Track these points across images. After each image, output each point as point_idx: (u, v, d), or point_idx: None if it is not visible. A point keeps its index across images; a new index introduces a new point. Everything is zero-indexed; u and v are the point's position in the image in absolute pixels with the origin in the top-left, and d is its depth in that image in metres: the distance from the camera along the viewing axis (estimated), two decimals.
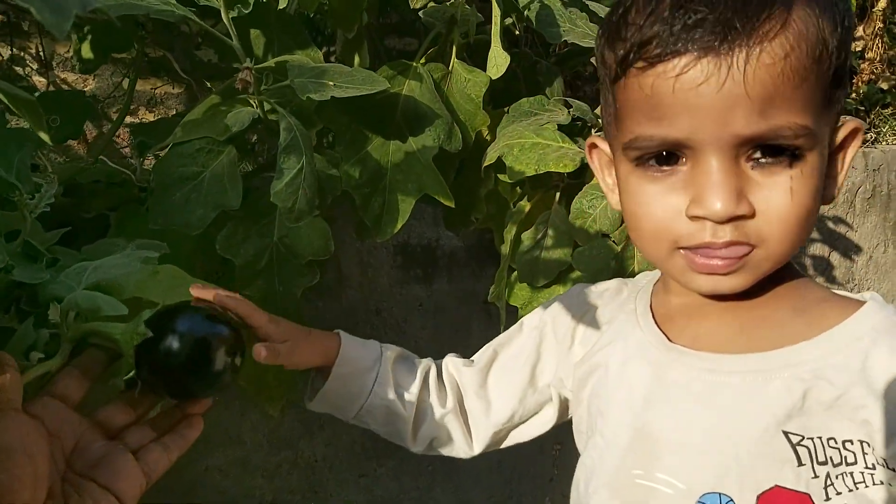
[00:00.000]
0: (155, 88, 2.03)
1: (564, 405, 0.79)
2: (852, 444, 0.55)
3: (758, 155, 0.53)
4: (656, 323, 0.66)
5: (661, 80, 0.52)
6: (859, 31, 3.02)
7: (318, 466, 1.61)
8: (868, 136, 2.82)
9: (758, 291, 0.61)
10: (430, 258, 1.69)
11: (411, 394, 0.80)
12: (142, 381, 0.57)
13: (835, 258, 2.61)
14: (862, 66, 3.09)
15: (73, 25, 1.12)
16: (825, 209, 2.54)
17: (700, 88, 0.51)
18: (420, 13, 1.04)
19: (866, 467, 0.54)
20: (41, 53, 1.77)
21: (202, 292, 0.67)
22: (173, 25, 1.23)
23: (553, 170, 0.89)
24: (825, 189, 0.58)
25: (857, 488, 0.54)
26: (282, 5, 0.83)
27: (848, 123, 0.58)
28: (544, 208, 1.00)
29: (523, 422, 0.81)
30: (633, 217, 0.60)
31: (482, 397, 0.81)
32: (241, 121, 0.83)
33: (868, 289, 2.76)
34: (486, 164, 0.96)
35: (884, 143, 3.05)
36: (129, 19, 1.12)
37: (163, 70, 1.73)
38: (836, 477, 0.55)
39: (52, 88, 1.80)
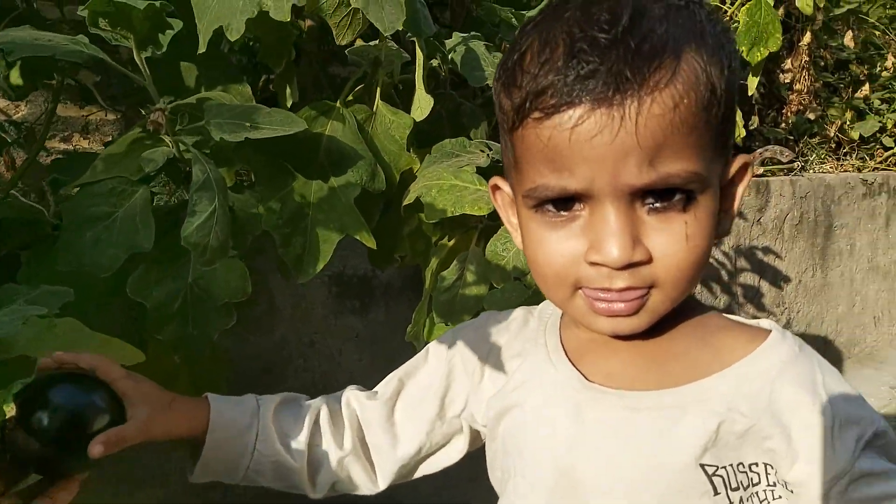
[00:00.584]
0: (89, 114, 1.99)
1: (476, 436, 0.77)
2: (757, 465, 0.58)
3: (651, 200, 0.54)
4: (569, 359, 0.67)
5: (557, 131, 0.53)
6: (787, 64, 3.12)
7: None
8: (795, 164, 2.92)
9: (663, 324, 0.62)
10: (366, 289, 1.69)
11: (300, 442, 0.74)
12: (10, 455, 0.54)
13: (764, 284, 2.68)
14: (790, 97, 3.20)
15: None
16: (754, 236, 2.62)
17: (594, 140, 0.51)
18: (346, 51, 1.04)
19: (768, 485, 0.58)
20: None
21: (60, 357, 0.63)
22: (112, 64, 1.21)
23: (468, 212, 0.90)
24: (719, 224, 0.60)
25: None
26: (201, 49, 0.82)
27: (738, 158, 0.59)
28: (463, 248, 1.01)
29: (431, 454, 0.78)
30: (534, 260, 0.61)
31: (388, 431, 0.77)
32: (155, 161, 0.82)
33: (798, 312, 2.84)
34: (405, 203, 0.97)
35: (811, 171, 3.16)
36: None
37: (90, 100, 1.70)
38: (747, 499, 0.58)
39: None
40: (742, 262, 2.58)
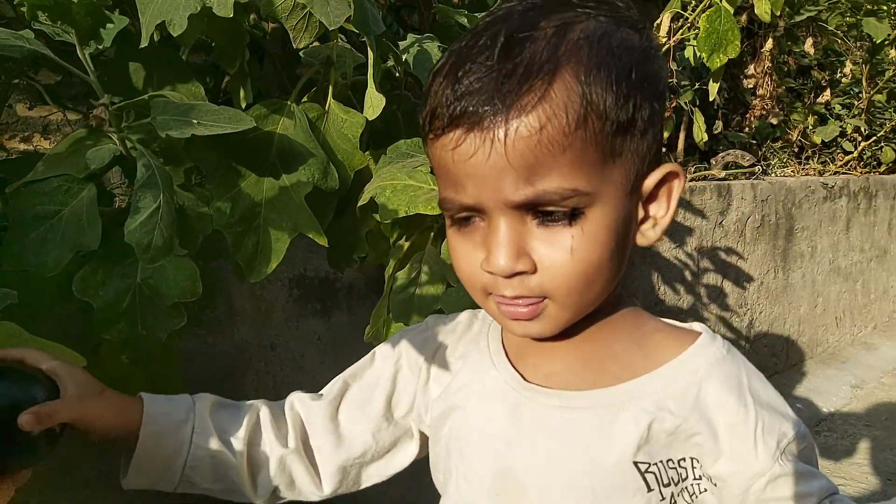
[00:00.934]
0: (49, 114, 1.96)
1: (426, 440, 0.77)
2: (685, 461, 0.60)
3: (539, 214, 0.57)
4: (510, 361, 0.68)
5: (444, 151, 0.57)
6: (750, 70, 3.18)
7: None
8: (757, 168, 2.97)
9: (596, 326, 0.65)
10: (328, 291, 1.68)
11: (238, 439, 0.73)
12: None
13: (727, 285, 2.72)
14: (754, 102, 3.26)
15: None
16: (716, 238, 2.65)
17: (472, 160, 0.55)
18: (300, 52, 1.04)
19: (695, 479, 0.61)
20: None
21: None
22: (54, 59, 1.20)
23: (422, 211, 0.90)
24: (644, 233, 0.62)
25: (692, 500, 0.61)
26: (143, 43, 0.81)
27: (663, 167, 0.60)
28: (420, 248, 1.01)
29: (379, 458, 0.77)
30: (454, 266, 0.64)
31: (332, 431, 0.76)
32: (100, 157, 0.81)
33: (761, 312, 2.88)
34: (360, 203, 0.97)
35: (773, 174, 3.22)
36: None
37: (45, 100, 1.67)
38: (678, 494, 0.61)
39: None
40: (705, 263, 2.61)
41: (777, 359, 3.02)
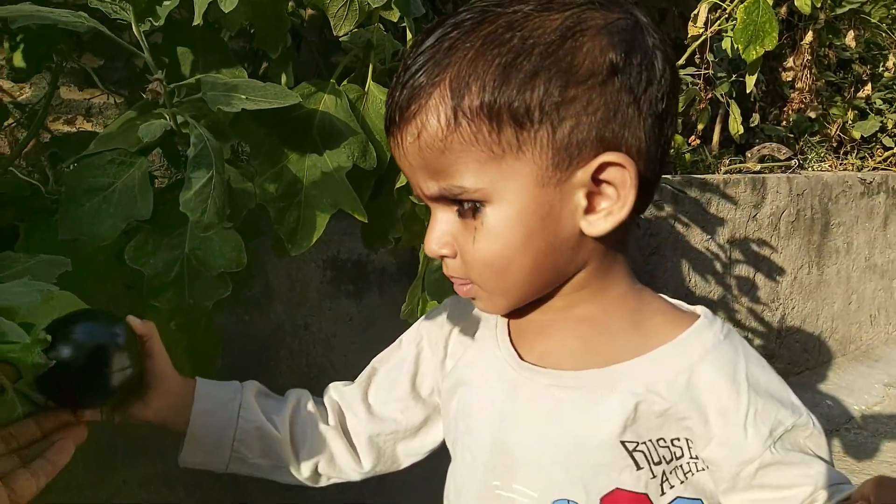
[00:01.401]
0: (92, 97, 2.02)
1: None
2: (679, 440, 0.62)
3: (456, 206, 0.62)
4: (511, 340, 0.71)
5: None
6: (789, 62, 3.14)
7: (243, 480, 1.60)
8: (794, 162, 2.94)
9: (594, 306, 0.66)
10: (361, 273, 1.71)
11: (282, 416, 0.79)
12: (41, 384, 0.56)
13: (760, 279, 2.70)
14: (792, 95, 3.22)
15: (5, 33, 1.13)
16: (749, 231, 2.63)
17: (397, 160, 0.65)
18: (339, 38, 1.06)
19: (691, 457, 0.62)
20: None
21: None
22: (110, 36, 1.24)
23: None
24: (593, 223, 0.61)
25: (687, 478, 0.62)
26: (196, 21, 0.85)
27: (597, 158, 0.58)
28: None
29: (412, 435, 0.81)
30: None
31: (364, 411, 0.81)
32: (152, 132, 0.84)
33: (793, 308, 2.86)
34: (397, 186, 0.99)
35: (809, 168, 3.18)
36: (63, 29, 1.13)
37: (92, 82, 1.72)
38: (671, 472, 0.62)
39: None
40: (737, 256, 2.60)
41: (809, 355, 2.99)
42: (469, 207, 0.61)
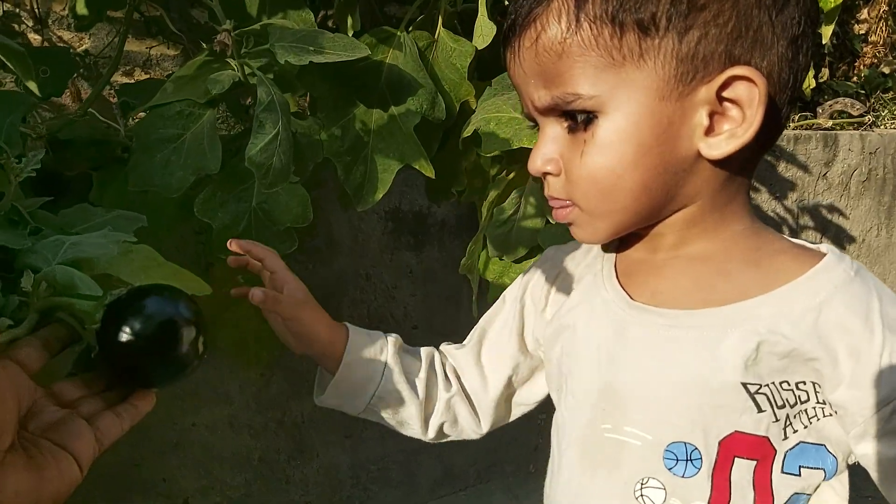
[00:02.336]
0: (150, 48, 2.02)
1: None
2: (804, 384, 0.58)
3: (567, 120, 0.59)
4: (619, 281, 0.68)
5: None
6: (863, 14, 2.98)
7: (305, 427, 1.64)
8: (866, 119, 2.80)
9: (709, 244, 0.63)
10: (421, 226, 1.70)
11: (420, 379, 0.80)
12: (102, 359, 0.56)
13: (828, 239, 2.61)
14: (864, 49, 3.06)
15: None
16: (819, 190, 2.54)
17: (510, 73, 0.63)
18: None
19: (818, 402, 0.58)
20: (37, 10, 1.76)
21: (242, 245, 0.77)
22: None
23: (526, 146, 0.89)
24: (712, 144, 0.57)
25: (811, 423, 0.58)
26: None
27: (725, 72, 0.55)
28: (521, 183, 1.01)
29: (523, 389, 0.82)
30: None
31: (479, 375, 0.82)
32: (221, 83, 0.83)
33: None
34: (464, 136, 0.96)
35: (882, 126, 3.03)
36: None
37: (158, 30, 1.72)
38: (794, 416, 0.58)
39: (47, 45, 1.79)
40: (805, 219, 2.51)
41: None
42: (581, 120, 0.58)
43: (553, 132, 0.61)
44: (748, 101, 0.55)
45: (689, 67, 0.55)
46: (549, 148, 0.61)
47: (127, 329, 0.55)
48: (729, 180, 0.61)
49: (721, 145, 0.57)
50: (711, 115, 0.56)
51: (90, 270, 0.62)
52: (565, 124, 0.60)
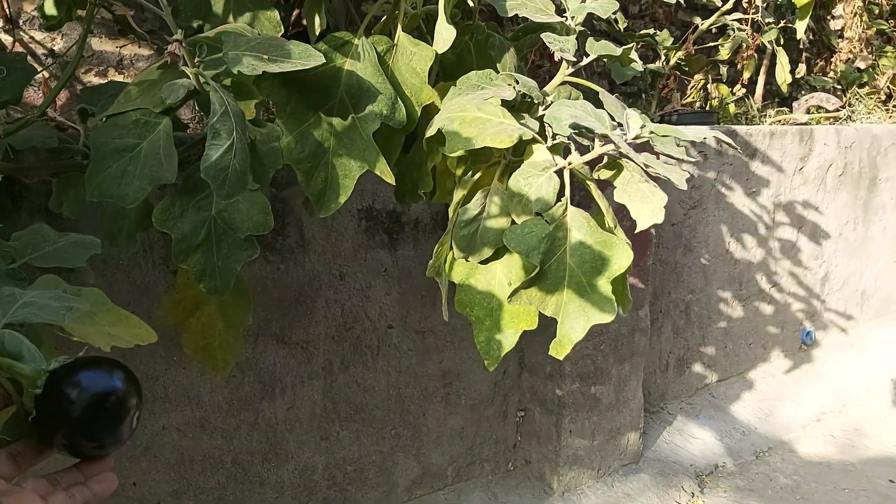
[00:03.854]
0: (121, 48, 2.01)
1: None
2: None
3: None
4: None
5: None
6: (839, 10, 3.00)
7: (279, 428, 1.64)
8: (842, 114, 2.82)
9: None
10: (395, 224, 1.70)
11: None
12: (40, 430, 0.56)
13: (803, 237, 2.63)
14: (840, 45, 3.08)
15: None
16: (795, 185, 2.55)
17: None
18: None
19: None
20: (7, 10, 1.74)
21: None
22: None
23: (490, 145, 0.89)
24: None
25: None
26: None
27: None
28: (486, 184, 1.01)
29: None
30: None
31: None
32: (175, 93, 0.83)
33: (837, 265, 2.78)
34: (427, 135, 0.96)
35: (858, 121, 3.05)
36: None
37: (124, 29, 1.71)
38: None
39: (18, 46, 1.77)
40: (781, 215, 2.52)
41: (851, 313, 2.92)
42: None
43: None
44: None
45: None
46: None
47: (67, 398, 0.55)
48: None
49: None
50: None
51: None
52: None
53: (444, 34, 0.95)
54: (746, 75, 2.67)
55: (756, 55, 2.63)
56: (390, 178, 0.94)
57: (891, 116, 3.26)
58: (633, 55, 1.07)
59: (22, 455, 0.57)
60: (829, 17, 3.03)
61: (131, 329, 0.67)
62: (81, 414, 0.56)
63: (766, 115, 2.79)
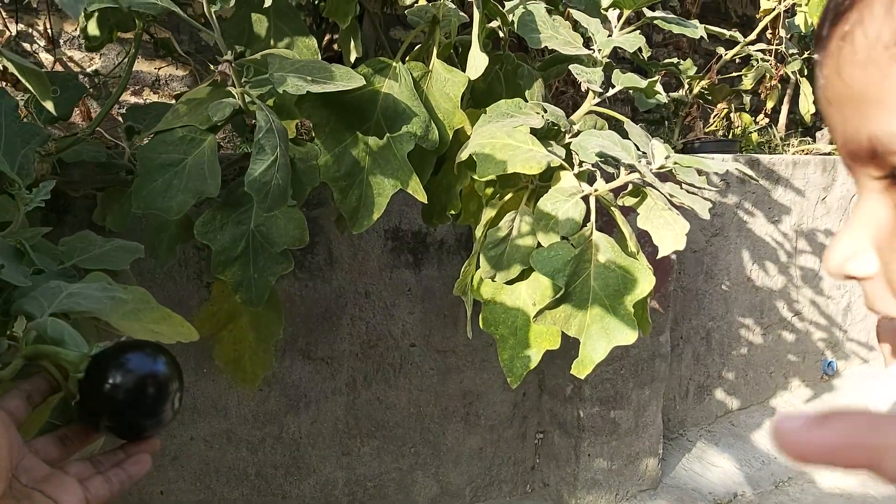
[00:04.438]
0: (159, 69, 2.07)
1: None
2: None
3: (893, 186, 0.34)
4: None
5: None
6: None
7: (302, 442, 1.66)
8: None
9: None
10: (421, 244, 1.74)
11: None
12: (82, 409, 0.57)
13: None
14: None
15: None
16: (818, 215, 2.55)
17: (819, 93, 0.37)
18: (406, 11, 1.07)
19: None
20: (49, 31, 1.81)
21: None
22: (180, 6, 1.27)
23: (519, 171, 0.92)
24: None
25: None
26: None
27: None
28: (513, 208, 1.04)
29: None
30: None
31: None
32: (222, 111, 0.87)
33: (860, 295, 2.77)
34: (459, 160, 1.00)
35: None
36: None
37: (167, 51, 1.77)
38: None
39: (58, 66, 1.84)
40: (803, 244, 2.52)
41: (873, 345, 2.90)
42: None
43: (870, 206, 0.35)
44: None
45: None
46: (854, 235, 0.35)
47: (110, 381, 0.56)
48: None
49: None
50: None
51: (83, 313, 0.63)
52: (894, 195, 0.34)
53: (477, 62, 0.99)
54: (770, 105, 2.68)
55: (780, 85, 2.64)
56: (423, 197, 0.98)
57: None
58: (658, 87, 1.10)
59: (70, 438, 0.58)
60: None
61: (174, 327, 0.69)
62: (125, 397, 0.57)
63: (789, 145, 2.80)
